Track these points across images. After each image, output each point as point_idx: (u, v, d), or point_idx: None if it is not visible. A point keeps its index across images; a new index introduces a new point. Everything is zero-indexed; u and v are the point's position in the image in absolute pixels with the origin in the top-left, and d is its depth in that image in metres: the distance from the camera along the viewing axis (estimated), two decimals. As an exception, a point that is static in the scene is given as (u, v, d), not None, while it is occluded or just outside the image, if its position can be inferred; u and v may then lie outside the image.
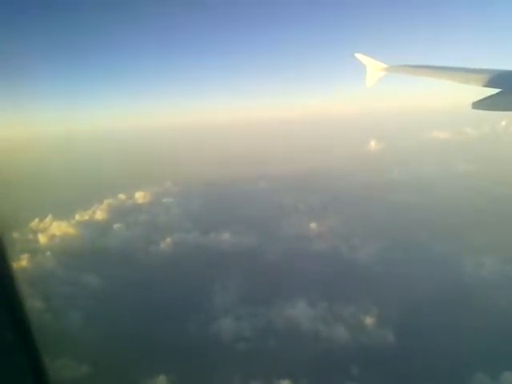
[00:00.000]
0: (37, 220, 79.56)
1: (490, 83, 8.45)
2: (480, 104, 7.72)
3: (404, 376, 35.95)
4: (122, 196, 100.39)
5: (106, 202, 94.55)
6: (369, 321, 43.98)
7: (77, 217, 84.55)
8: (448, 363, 36.45)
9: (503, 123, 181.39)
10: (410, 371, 36.26)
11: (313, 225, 72.80)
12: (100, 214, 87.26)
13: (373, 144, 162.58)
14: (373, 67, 15.96)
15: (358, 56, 16.52)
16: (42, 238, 73.21)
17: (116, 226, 77.30)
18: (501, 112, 8.10)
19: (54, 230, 76.91)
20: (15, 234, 66.23)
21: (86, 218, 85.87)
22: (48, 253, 66.35)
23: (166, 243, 67.88)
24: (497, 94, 7.83)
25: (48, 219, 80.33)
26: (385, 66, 15.57)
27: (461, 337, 40.11)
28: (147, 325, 45.79)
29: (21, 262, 60.42)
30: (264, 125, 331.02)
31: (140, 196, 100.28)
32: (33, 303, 46.32)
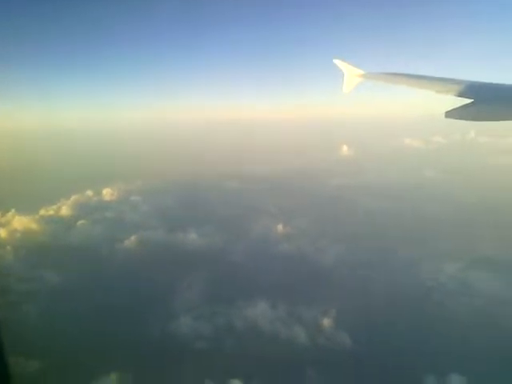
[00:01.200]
0: (-2, 214, 77.37)
1: (463, 93, 8.74)
2: (453, 113, 8.03)
3: (358, 378, 36.00)
4: (89, 192, 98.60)
5: (72, 197, 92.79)
6: (328, 323, 43.87)
7: (41, 212, 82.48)
8: (401, 366, 36.63)
9: (472, 133, 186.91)
10: (365, 373, 36.38)
11: (282, 226, 72.58)
12: (65, 210, 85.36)
13: (347, 149, 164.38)
14: (350, 73, 16.02)
15: (337, 62, 16.57)
16: (3, 233, 71.19)
17: (80, 222, 75.62)
18: (472, 122, 8.28)
19: (15, 224, 74.75)
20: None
21: (51, 213, 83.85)
22: (8, 247, 64.58)
23: (131, 241, 66.65)
24: (469, 104, 8.11)
25: (10, 213, 78.15)
26: (362, 72, 15.64)
27: (416, 340, 40.46)
28: (105, 323, 44.73)
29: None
30: (240, 125, 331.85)
31: (108, 193, 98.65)
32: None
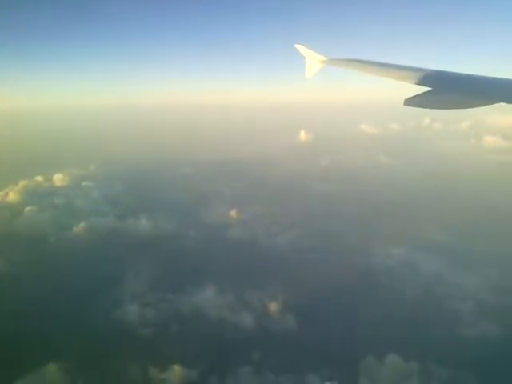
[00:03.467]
0: None
1: (421, 82, 8.78)
2: (411, 101, 8.10)
3: (300, 360, 36.63)
4: (39, 178, 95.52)
5: (21, 183, 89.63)
6: (275, 307, 44.30)
7: (-14, 198, 79.54)
8: (345, 348, 37.37)
9: (427, 120, 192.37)
10: (307, 356, 37.02)
11: (235, 212, 72.64)
12: (13, 196, 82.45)
13: (304, 134, 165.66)
14: (312, 59, 16.04)
15: (298, 47, 16.53)
16: None
17: (28, 208, 73.18)
18: (429, 109, 8.43)
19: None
20: None
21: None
22: None
23: (80, 228, 65.25)
24: (427, 92, 8.18)
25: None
26: (324, 58, 15.60)
27: (362, 322, 41.39)
28: (49, 311, 43.87)
29: None
30: (197, 110, 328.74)
31: (59, 178, 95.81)
32: None
